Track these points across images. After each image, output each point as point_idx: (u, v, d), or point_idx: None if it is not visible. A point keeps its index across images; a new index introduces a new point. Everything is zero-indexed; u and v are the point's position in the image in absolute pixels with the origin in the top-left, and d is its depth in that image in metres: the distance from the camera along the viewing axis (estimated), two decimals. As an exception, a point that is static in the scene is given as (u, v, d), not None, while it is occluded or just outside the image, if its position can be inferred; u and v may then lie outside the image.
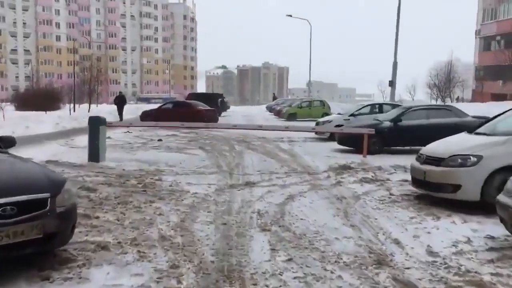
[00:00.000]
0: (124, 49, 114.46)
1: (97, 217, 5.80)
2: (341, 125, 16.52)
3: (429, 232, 5.26)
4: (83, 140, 15.40)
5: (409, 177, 8.49)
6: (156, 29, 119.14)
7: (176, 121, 25.07)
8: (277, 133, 16.71)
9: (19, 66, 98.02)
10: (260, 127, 14.94)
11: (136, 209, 6.31)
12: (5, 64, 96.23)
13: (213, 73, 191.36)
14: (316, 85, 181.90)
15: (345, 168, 9.84)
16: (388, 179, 8.67)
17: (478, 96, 46.03)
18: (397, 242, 4.93)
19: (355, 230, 5.42)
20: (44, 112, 23.92)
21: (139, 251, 4.59)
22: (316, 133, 16.52)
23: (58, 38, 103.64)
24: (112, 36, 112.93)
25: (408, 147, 13.36)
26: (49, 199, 3.99)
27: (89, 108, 34.38)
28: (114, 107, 30.84)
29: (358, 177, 8.82)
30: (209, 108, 25.59)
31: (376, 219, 5.91)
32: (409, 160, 10.75)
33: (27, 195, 3.85)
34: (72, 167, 9.88)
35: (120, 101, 29.37)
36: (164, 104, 27.02)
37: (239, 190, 7.72)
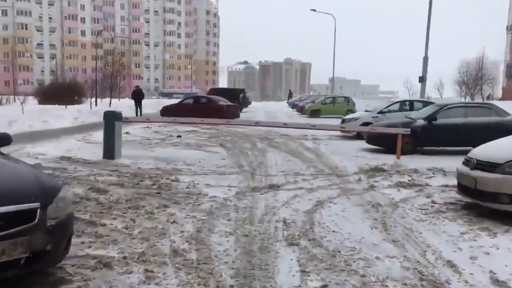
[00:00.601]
0: (147, 44, 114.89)
1: (104, 225, 5.16)
2: (369, 123, 15.70)
3: (488, 253, 4.45)
4: (101, 135, 14.95)
5: (450, 182, 7.69)
6: (179, 24, 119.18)
7: (196, 117, 24.76)
8: (301, 131, 15.95)
9: (44, 61, 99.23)
10: (285, 125, 14.18)
11: (148, 215, 5.65)
12: (31, 58, 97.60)
13: (235, 68, 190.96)
14: (338, 81, 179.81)
15: (377, 170, 9.03)
16: (427, 184, 7.82)
17: (508, 94, 44.31)
18: (451, 265, 4.14)
19: (398, 247, 4.65)
20: (64, 106, 23.60)
21: (146, 270, 3.92)
22: (342, 131, 15.71)
23: (83, 33, 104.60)
24: (135, 32, 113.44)
25: (443, 148, 12.48)
26: (38, 210, 3.33)
27: (110, 102, 34.12)
28: (132, 102, 30.51)
29: (393, 181, 8.00)
30: (230, 103, 24.94)
31: (420, 233, 5.12)
32: (446, 162, 9.95)
33: (11, 206, 3.20)
34: (85, 165, 9.32)
35: (137, 96, 28.48)
36: (185, 99, 26.47)
37: (262, 194, 7.01)
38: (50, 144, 12.44)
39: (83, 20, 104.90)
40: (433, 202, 6.55)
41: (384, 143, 12.09)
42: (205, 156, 11.15)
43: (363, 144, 13.63)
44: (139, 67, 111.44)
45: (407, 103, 16.66)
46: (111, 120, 10.00)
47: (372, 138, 12.56)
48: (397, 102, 16.73)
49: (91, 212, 5.64)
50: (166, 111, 24.95)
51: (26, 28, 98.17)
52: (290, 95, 58.83)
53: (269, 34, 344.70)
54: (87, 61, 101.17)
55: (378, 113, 16.16)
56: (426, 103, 16.10)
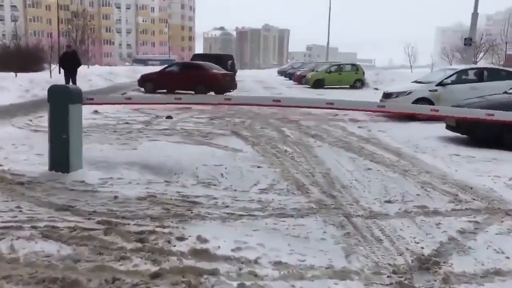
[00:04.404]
0: (118, 7, 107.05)
1: None
2: (427, 99, 11.72)
3: None
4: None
5: None
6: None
7: (183, 88, 20.20)
8: (320, 109, 11.72)
9: (5, 23, 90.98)
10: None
11: None
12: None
13: (211, 34, 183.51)
14: (316, 49, 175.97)
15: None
16: None
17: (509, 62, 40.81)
18: None
19: None
20: (14, 74, 18.58)
21: None
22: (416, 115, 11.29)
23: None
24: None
25: None
26: None
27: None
28: (108, 68, 25.57)
29: None
30: (225, 71, 20.41)
31: None
32: None
33: None
34: (10, 191, 4.92)
35: (70, 59, 17.66)
36: (168, 66, 21.80)
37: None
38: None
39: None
40: None
41: (491, 134, 7.93)
42: (222, 157, 6.86)
43: (430, 128, 9.74)
44: (109, 32, 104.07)
45: (472, 72, 12.55)
46: (62, 102, 5.52)
47: (469, 127, 8.34)
48: (460, 71, 12.53)
49: None
50: (146, 81, 20.31)
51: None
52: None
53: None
54: (52, 24, 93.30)
55: (438, 85, 12.02)
56: (503, 72, 12.10)
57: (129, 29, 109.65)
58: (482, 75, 12.16)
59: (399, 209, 4.50)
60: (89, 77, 23.77)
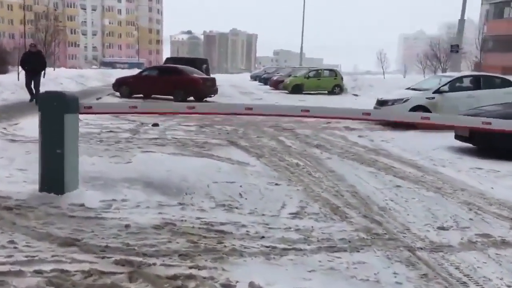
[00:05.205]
0: (83, 8, 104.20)
1: None
2: (423, 107, 11.40)
3: None
4: (34, 126, 9.48)
5: None
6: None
7: (162, 93, 19.27)
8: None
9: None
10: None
11: None
12: None
13: (178, 38, 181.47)
14: (283, 54, 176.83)
15: None
16: None
17: (479, 68, 41.64)
18: None
19: None
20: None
21: None
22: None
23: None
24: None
25: None
26: None
27: (44, 73, 27.47)
28: (78, 71, 24.28)
29: None
30: (206, 76, 19.66)
31: None
32: None
33: None
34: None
35: (34, 60, 15.03)
36: (145, 70, 20.87)
37: None
38: None
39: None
40: None
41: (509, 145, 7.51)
42: (231, 172, 6.17)
43: (433, 137, 9.43)
44: (74, 33, 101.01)
45: (468, 79, 12.26)
46: (56, 111, 4.71)
47: (484, 137, 7.90)
48: (457, 78, 12.21)
49: None
50: (122, 85, 19.32)
51: None
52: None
53: (214, 3, 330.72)
54: (14, 24, 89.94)
55: (435, 92, 11.66)
56: (498, 79, 11.88)
57: (95, 31, 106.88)
58: (478, 82, 11.89)
59: (461, 239, 3.93)
60: (59, 80, 22.52)
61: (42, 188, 4.80)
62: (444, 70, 44.61)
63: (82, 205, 4.53)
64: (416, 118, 6.09)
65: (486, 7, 44.15)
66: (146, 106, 6.94)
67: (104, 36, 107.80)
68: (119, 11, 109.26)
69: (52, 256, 3.33)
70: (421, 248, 3.70)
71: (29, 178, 5.31)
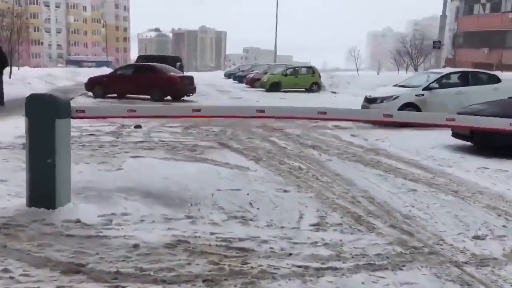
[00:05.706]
0: (47, 5, 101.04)
1: None
2: (413, 104, 11.27)
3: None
4: (7, 129, 8.80)
5: None
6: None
7: (138, 92, 18.56)
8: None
9: None
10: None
11: None
12: None
13: (146, 36, 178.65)
14: (253, 52, 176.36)
15: None
16: None
17: (451, 65, 42.38)
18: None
19: None
20: None
21: None
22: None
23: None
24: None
25: None
26: None
27: (10, 72, 26.19)
28: (45, 70, 23.23)
29: None
30: (183, 74, 19.08)
31: None
32: None
33: None
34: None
35: None
36: (119, 69, 20.11)
37: None
38: None
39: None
40: None
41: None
42: (232, 178, 5.74)
43: (427, 135, 9.18)
44: (38, 31, 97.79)
45: (456, 76, 12.15)
46: (46, 116, 4.18)
47: (486, 136, 7.70)
48: (445, 75, 12.06)
49: None
50: (95, 84, 18.53)
51: None
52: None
53: (182, 1, 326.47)
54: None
55: (424, 89, 11.51)
56: (484, 76, 11.83)
57: (59, 28, 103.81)
58: (467, 79, 11.81)
59: (503, 250, 3.64)
60: (27, 80, 21.47)
61: (31, 203, 4.26)
62: (416, 67, 45.16)
63: (78, 221, 4.03)
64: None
65: (456, 3, 44.86)
66: (146, 110, 6.39)
67: (69, 33, 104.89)
68: (84, 8, 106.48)
69: (57, 287, 2.85)
70: (466, 263, 3.38)
71: (12, 191, 4.78)
